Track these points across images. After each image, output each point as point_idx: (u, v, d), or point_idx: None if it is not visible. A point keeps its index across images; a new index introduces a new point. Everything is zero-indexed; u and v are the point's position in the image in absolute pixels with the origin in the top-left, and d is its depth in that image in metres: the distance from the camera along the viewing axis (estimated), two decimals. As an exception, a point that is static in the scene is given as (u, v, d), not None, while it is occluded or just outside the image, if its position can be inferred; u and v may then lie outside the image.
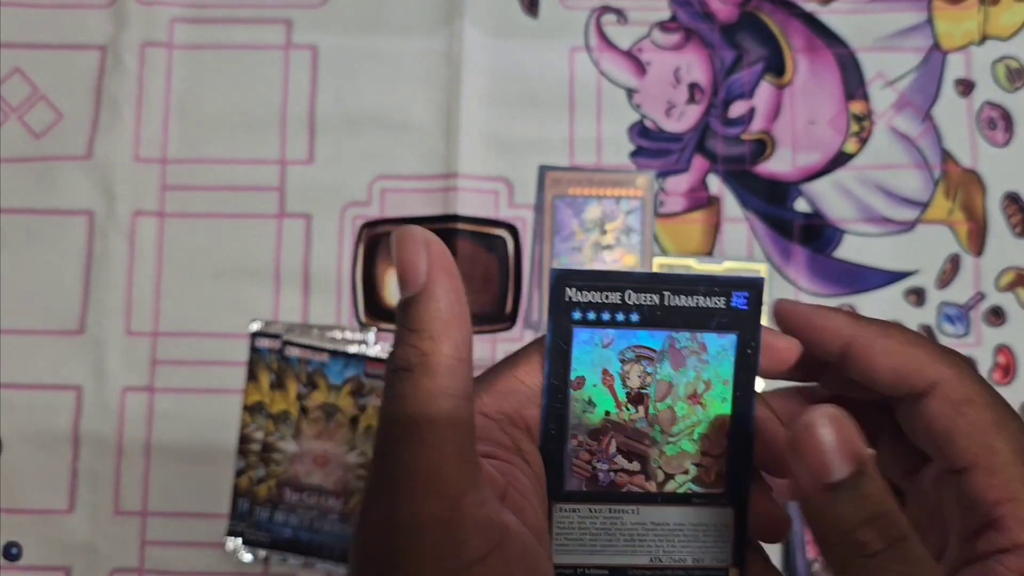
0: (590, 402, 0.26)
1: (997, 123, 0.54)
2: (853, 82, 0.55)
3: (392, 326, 0.52)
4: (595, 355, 0.26)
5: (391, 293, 0.53)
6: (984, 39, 0.55)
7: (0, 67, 0.55)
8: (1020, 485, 0.23)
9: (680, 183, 0.54)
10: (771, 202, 0.54)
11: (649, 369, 0.27)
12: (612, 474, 0.27)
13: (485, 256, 0.53)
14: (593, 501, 0.27)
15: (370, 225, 0.53)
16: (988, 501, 0.23)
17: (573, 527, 0.27)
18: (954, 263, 0.53)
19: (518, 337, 0.52)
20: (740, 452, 0.27)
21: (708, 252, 0.53)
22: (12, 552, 0.51)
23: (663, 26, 0.55)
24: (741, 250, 0.53)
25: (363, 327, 0.52)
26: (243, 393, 0.52)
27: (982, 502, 0.23)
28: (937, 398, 0.24)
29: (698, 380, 0.27)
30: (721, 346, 0.26)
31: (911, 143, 0.54)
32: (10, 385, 0.52)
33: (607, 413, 0.26)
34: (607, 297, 0.26)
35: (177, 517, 0.51)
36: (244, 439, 0.51)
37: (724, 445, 0.27)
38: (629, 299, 0.26)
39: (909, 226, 0.54)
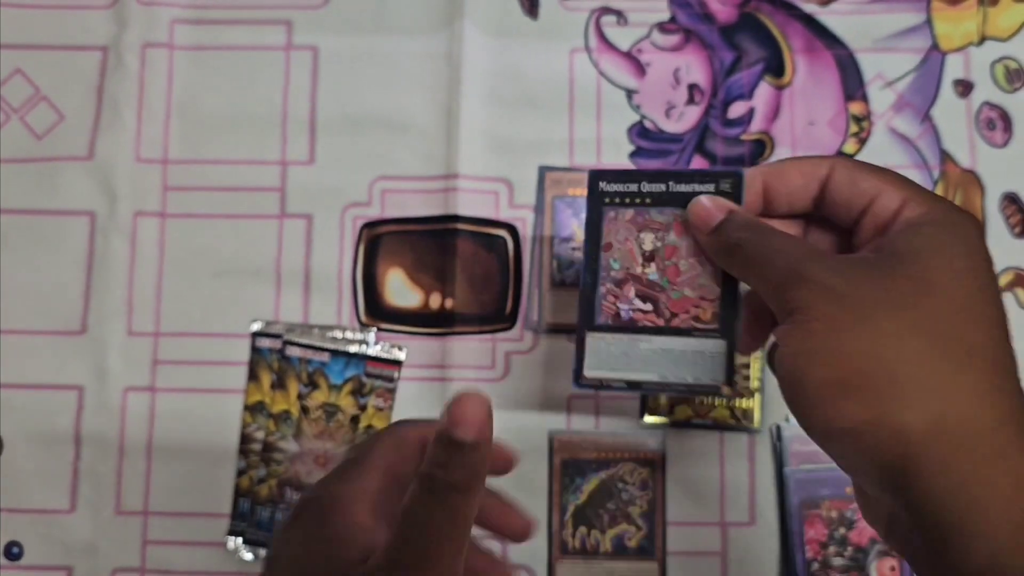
0: (615, 260, 0.37)
1: (996, 124, 0.55)
2: (852, 83, 0.55)
3: (391, 326, 0.53)
4: (619, 227, 0.37)
5: (391, 293, 0.53)
6: (983, 40, 0.55)
7: (1, 68, 0.55)
8: (913, 192, 0.31)
9: (680, 184, 0.54)
10: (770, 203, 0.54)
11: (659, 236, 0.36)
12: (631, 312, 0.37)
13: (485, 256, 0.53)
14: (616, 331, 0.37)
15: (371, 225, 0.54)
16: (893, 209, 0.31)
17: (601, 350, 0.37)
18: (953, 263, 0.53)
19: (518, 337, 0.53)
20: (729, 296, 0.35)
21: (708, 252, 0.53)
22: (13, 552, 0.51)
23: (663, 27, 0.56)
24: (740, 250, 0.54)
25: (363, 327, 0.53)
26: (244, 393, 0.52)
27: (890, 213, 0.31)
28: (836, 173, 0.33)
29: (697, 243, 0.36)
30: None
31: (910, 144, 0.55)
32: (11, 385, 0.52)
33: (628, 268, 0.37)
34: (628, 187, 0.37)
35: (178, 517, 0.51)
36: (245, 439, 0.52)
37: (718, 292, 0.36)
38: (643, 188, 0.37)
39: (908, 226, 0.54)
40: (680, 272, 0.36)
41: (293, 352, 0.52)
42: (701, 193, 0.35)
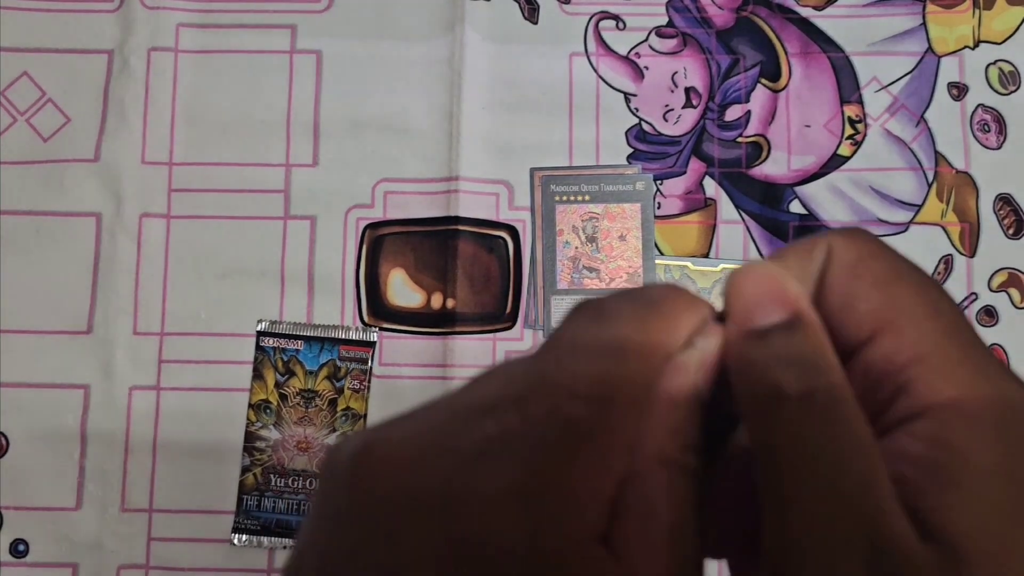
0: (567, 243, 0.52)
1: (990, 126, 0.55)
2: (848, 86, 0.55)
3: (394, 326, 0.53)
4: (568, 217, 0.52)
5: (393, 294, 0.54)
6: (977, 43, 0.56)
7: (8, 71, 0.56)
8: (933, 341, 0.18)
9: (677, 185, 0.55)
10: (766, 204, 0.54)
11: (596, 223, 0.51)
12: (581, 278, 0.52)
13: (486, 257, 0.53)
14: (571, 294, 0.52)
15: (373, 227, 0.54)
16: (897, 365, 0.18)
17: (562, 308, 0.51)
18: (947, 264, 0.54)
19: (518, 337, 0.53)
20: (648, 262, 0.52)
21: (704, 254, 0.54)
22: (19, 549, 0.51)
23: (660, 31, 0.56)
24: (737, 252, 0.54)
25: (366, 327, 0.53)
26: (249, 392, 0.53)
27: (891, 368, 0.18)
28: (831, 268, 0.19)
29: (623, 228, 0.51)
30: (633, 210, 0.52)
31: (905, 146, 0.55)
32: (18, 384, 0.53)
33: (576, 248, 0.52)
34: (571, 186, 0.53)
35: (183, 514, 0.52)
36: (250, 437, 0.52)
37: (639, 262, 0.51)
38: (583, 188, 0.53)
39: (903, 228, 0.54)
40: (613, 248, 0.52)
41: (267, 343, 0.52)
42: (626, 191, 0.44)
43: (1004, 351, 0.53)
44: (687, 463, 0.18)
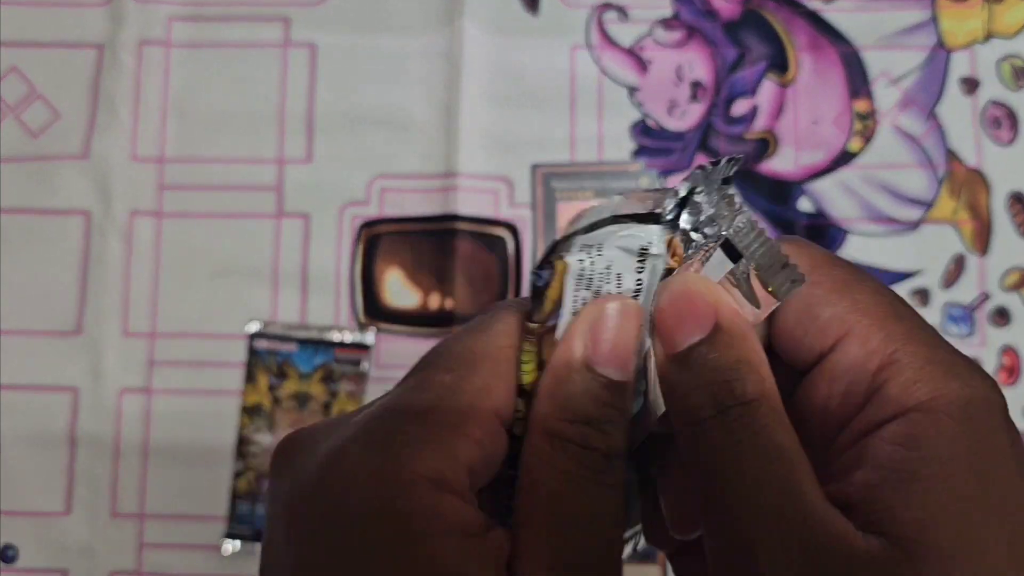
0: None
1: (1002, 122, 0.54)
2: (857, 80, 0.55)
3: (390, 326, 0.52)
4: (570, 214, 0.45)
5: (390, 293, 0.53)
6: (989, 37, 0.55)
7: (-3, 66, 0.55)
8: (901, 344, 0.18)
9: (682, 182, 0.54)
10: (774, 201, 0.54)
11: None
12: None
13: (485, 256, 0.53)
14: None
15: (369, 225, 0.53)
16: (868, 370, 0.18)
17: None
18: (958, 263, 0.53)
19: (519, 338, 0.52)
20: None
21: (710, 252, 0.53)
22: (8, 555, 0.51)
23: (665, 24, 0.55)
24: (744, 250, 0.53)
25: (362, 327, 0.52)
26: (241, 395, 0.52)
27: (862, 373, 0.19)
28: None
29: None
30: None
31: (915, 142, 0.54)
32: (6, 386, 0.52)
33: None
34: (573, 182, 0.52)
35: (175, 519, 0.51)
36: (243, 441, 0.51)
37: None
38: (585, 184, 0.52)
39: (913, 226, 0.53)
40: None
41: (260, 345, 0.52)
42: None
43: (1017, 352, 0.52)
44: (574, 436, 0.18)
